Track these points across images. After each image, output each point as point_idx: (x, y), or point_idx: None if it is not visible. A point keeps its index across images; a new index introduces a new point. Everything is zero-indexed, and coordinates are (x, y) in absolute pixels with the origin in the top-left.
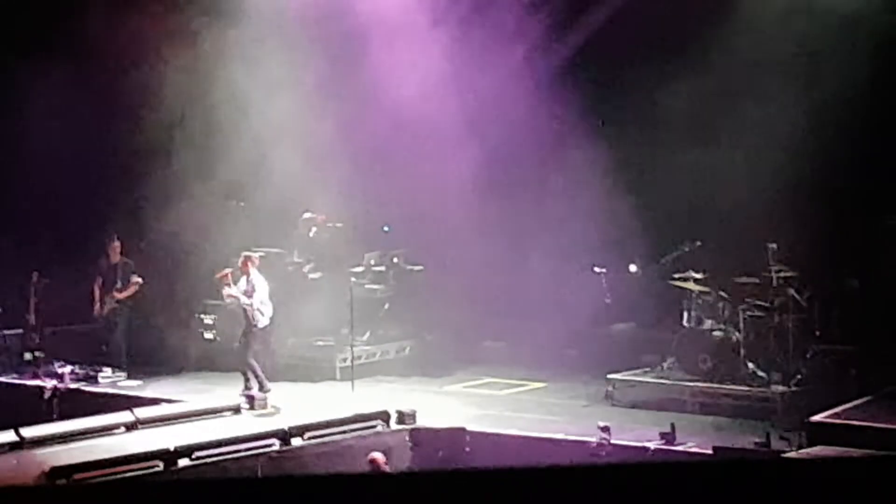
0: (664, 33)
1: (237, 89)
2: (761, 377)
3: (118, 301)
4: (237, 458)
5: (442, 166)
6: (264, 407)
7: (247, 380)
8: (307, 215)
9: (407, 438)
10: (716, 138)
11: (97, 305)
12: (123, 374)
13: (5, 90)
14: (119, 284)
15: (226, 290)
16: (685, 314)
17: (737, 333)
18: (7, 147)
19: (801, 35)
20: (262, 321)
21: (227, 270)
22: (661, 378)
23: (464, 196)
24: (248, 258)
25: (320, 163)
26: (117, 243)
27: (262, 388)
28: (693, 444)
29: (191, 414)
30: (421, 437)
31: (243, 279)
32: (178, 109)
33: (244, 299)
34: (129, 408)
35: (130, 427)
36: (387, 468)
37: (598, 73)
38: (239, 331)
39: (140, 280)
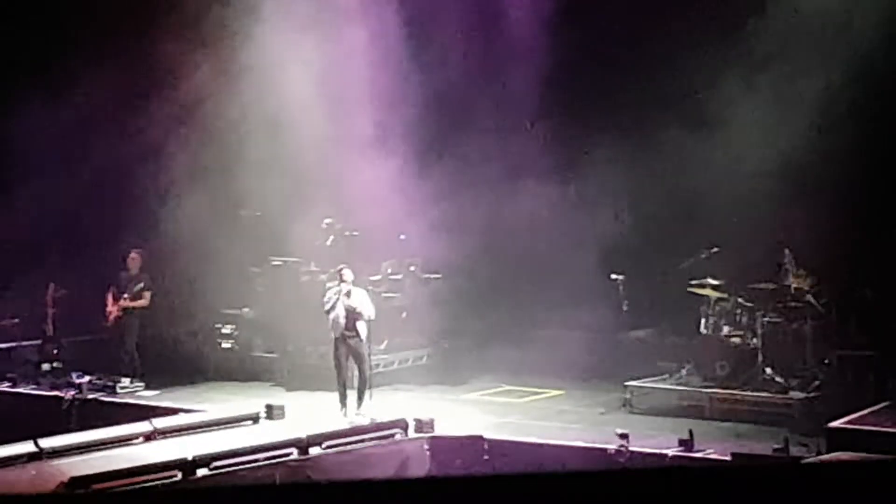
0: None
1: (255, 94)
2: (779, 383)
3: (124, 310)
4: (255, 468)
5: (455, 172)
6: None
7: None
8: (327, 221)
9: (425, 446)
10: (732, 139)
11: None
12: (142, 385)
13: (19, 105)
14: (127, 295)
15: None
16: (703, 321)
17: (755, 340)
18: (20, 157)
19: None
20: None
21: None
22: (679, 385)
23: (478, 201)
24: (339, 272)
25: (337, 169)
26: (135, 255)
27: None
28: (711, 450)
29: (209, 424)
30: (439, 446)
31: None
32: (197, 118)
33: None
34: (147, 418)
35: (149, 437)
36: None
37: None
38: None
39: (147, 293)
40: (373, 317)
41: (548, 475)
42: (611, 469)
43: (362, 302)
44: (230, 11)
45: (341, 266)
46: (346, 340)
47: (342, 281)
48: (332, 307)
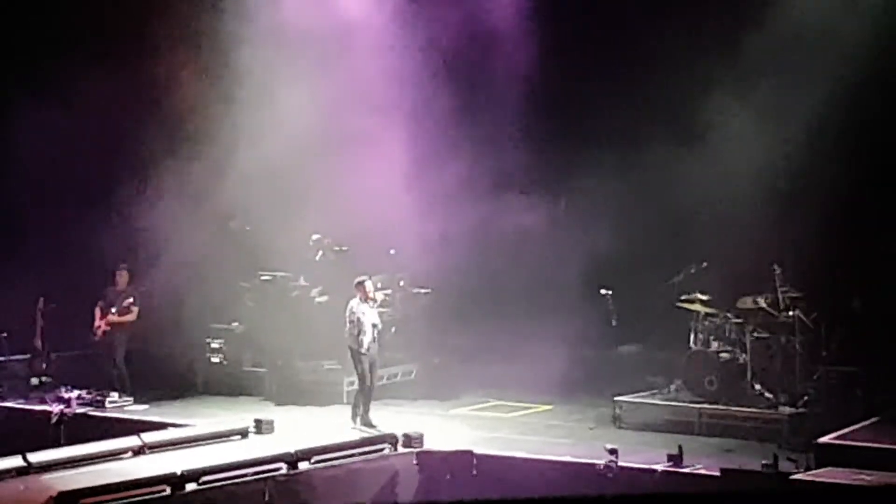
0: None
1: (243, 113)
2: (768, 398)
3: (112, 325)
4: (244, 483)
5: (444, 185)
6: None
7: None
8: (315, 237)
9: (414, 461)
10: (722, 155)
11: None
12: (131, 399)
13: (10, 120)
14: (115, 310)
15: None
16: (692, 336)
17: (744, 355)
18: (13, 172)
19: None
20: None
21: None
22: (669, 400)
23: (468, 217)
24: (360, 285)
25: (327, 183)
26: (123, 271)
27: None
28: (700, 465)
29: (198, 438)
30: (428, 460)
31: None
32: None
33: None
34: (136, 432)
35: (138, 451)
36: None
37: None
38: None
39: (135, 308)
40: (381, 326)
41: (536, 500)
42: (599, 493)
43: (377, 313)
44: (223, 21)
45: (362, 278)
46: (371, 351)
47: (366, 293)
48: (362, 320)
